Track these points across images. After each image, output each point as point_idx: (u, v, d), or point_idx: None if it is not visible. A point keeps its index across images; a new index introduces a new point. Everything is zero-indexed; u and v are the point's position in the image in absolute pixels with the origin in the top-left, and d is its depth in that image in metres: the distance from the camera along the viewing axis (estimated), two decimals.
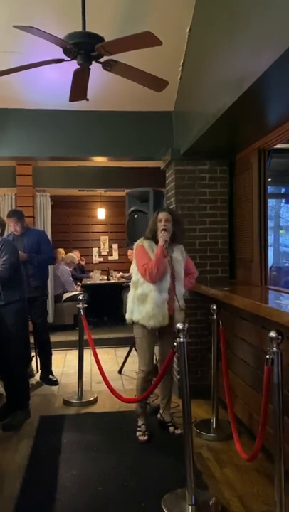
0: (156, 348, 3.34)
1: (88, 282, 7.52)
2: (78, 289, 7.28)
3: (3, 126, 4.36)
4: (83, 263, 8.38)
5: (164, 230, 3.06)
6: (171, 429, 3.28)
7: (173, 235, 3.12)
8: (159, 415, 3.42)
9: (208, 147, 3.75)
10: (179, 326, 2.47)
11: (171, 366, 3.32)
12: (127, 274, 7.61)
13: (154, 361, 3.33)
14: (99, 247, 8.94)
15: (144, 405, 3.30)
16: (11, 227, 4.40)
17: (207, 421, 3.39)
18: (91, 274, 7.96)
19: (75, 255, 7.91)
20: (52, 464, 2.82)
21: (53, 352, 4.70)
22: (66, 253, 7.73)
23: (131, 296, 3.19)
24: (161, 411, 3.41)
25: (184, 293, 3.23)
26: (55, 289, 6.89)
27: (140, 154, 4.64)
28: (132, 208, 3.98)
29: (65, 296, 7.02)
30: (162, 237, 3.05)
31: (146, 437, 3.15)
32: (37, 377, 4.65)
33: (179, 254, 3.19)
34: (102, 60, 2.76)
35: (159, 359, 3.46)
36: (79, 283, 7.51)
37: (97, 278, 7.64)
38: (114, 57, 2.71)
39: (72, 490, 2.52)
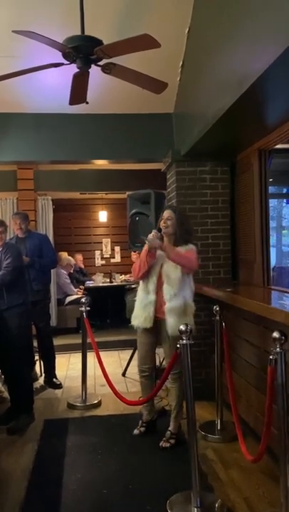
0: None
1: (91, 285, 7.52)
2: (80, 291, 7.27)
3: (4, 131, 4.37)
4: (82, 266, 8.36)
5: (166, 227, 3.04)
6: (161, 443, 3.04)
7: (174, 234, 3.07)
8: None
9: (209, 148, 3.75)
10: (182, 327, 2.45)
11: (179, 373, 2.89)
12: (132, 278, 7.58)
13: (158, 362, 3.31)
14: (101, 250, 8.94)
15: (148, 407, 3.29)
16: (16, 226, 4.41)
17: (211, 422, 3.37)
18: (94, 277, 7.94)
19: (74, 258, 7.89)
20: (56, 467, 2.81)
21: (57, 355, 4.70)
22: (70, 256, 7.72)
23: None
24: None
25: (174, 294, 2.97)
26: (57, 292, 6.89)
27: (141, 156, 4.65)
28: (134, 210, 3.98)
29: (68, 299, 7.01)
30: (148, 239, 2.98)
31: (137, 431, 3.24)
32: (41, 380, 4.65)
33: None
34: (101, 63, 2.76)
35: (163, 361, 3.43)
36: (82, 286, 7.51)
37: (99, 281, 7.63)
38: (113, 60, 2.71)
39: (77, 493, 2.51)
